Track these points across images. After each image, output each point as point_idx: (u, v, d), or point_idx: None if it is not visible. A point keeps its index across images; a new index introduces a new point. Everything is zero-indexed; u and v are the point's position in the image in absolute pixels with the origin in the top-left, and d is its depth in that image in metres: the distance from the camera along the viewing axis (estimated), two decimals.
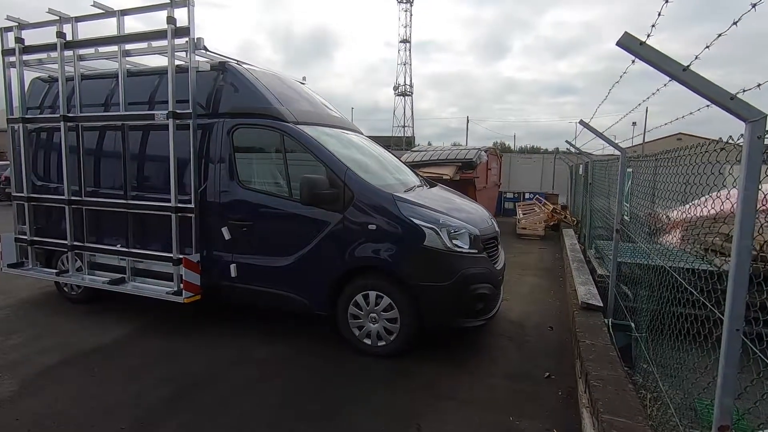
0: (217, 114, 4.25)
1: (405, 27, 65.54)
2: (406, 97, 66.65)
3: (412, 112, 64.71)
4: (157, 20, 4.74)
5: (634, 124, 48.31)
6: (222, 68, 4.29)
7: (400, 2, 64.11)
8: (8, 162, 17.33)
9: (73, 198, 4.69)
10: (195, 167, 4.12)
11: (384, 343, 3.78)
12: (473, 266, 3.67)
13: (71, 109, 4.79)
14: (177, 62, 4.43)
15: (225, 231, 4.14)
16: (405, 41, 65.58)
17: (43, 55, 4.86)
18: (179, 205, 4.15)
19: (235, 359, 3.81)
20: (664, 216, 3.79)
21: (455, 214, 3.87)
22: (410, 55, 65.31)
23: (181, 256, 4.15)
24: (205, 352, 3.92)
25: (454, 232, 3.66)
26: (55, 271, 4.95)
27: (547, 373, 3.53)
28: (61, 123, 4.58)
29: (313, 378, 3.51)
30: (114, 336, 4.24)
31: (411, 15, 65.15)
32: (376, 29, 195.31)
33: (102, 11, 4.33)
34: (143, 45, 4.38)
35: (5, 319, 4.64)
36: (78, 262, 4.84)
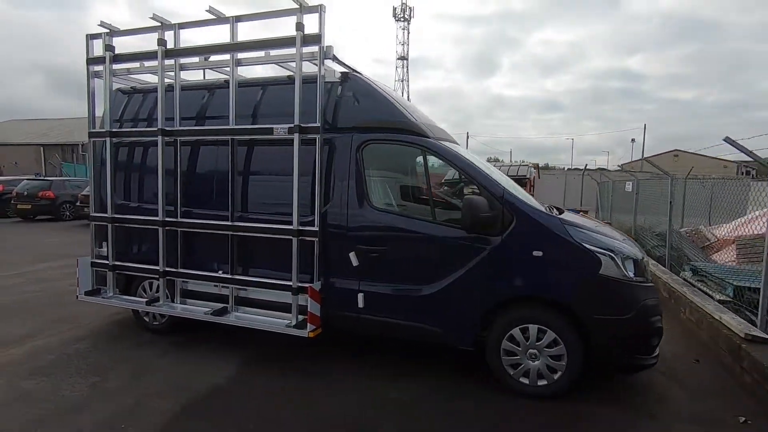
0: (337, 128, 3.89)
1: (402, 44, 66.28)
2: None
3: None
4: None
5: (633, 140, 49.10)
6: (343, 78, 3.96)
7: (398, 21, 64.95)
8: (18, 177, 16.68)
9: (167, 219, 4.26)
10: (321, 187, 3.75)
11: (546, 382, 3.40)
12: (649, 296, 3.33)
13: (152, 122, 4.46)
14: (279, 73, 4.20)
15: (352, 257, 3.75)
16: (402, 58, 66.27)
17: (133, 65, 4.49)
18: (301, 227, 3.76)
19: (374, 403, 3.38)
20: None
21: (617, 239, 3.54)
22: (407, 72, 65.74)
23: (305, 285, 3.75)
24: (336, 395, 3.49)
25: (624, 258, 3.33)
26: (143, 299, 4.48)
27: (743, 418, 3.16)
28: (159, 137, 4.19)
29: (476, 425, 3.11)
30: (224, 374, 3.78)
31: (408, 33, 66.06)
32: (366, 45, 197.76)
33: (213, 17, 3.98)
34: (257, 54, 4.03)
35: (90, 355, 4.15)
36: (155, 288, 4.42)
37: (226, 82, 4.42)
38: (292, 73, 4.20)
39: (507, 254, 3.37)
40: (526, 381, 3.44)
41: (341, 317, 3.86)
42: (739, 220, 9.59)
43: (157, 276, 4.33)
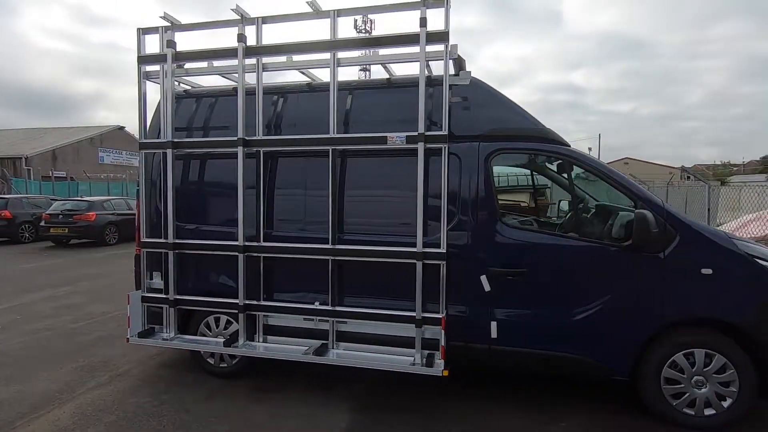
0: (456, 136, 3.46)
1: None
2: None
3: None
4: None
5: (590, 149, 51.80)
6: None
7: (359, 32, 65.18)
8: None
9: (249, 244, 3.64)
10: (446, 203, 3.30)
11: (714, 411, 3.11)
12: None
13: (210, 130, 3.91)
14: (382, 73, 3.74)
15: (484, 280, 3.32)
16: (364, 70, 66.37)
17: (199, 65, 3.87)
18: (427, 250, 3.28)
19: None
20: None
21: None
22: None
23: (436, 315, 3.27)
24: None
25: None
26: (217, 340, 3.79)
27: None
28: (240, 148, 3.58)
29: None
30: (341, 425, 3.22)
31: None
32: None
33: (310, 11, 3.46)
34: (357, 53, 3.55)
35: (160, 411, 3.41)
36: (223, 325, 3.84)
37: (308, 85, 3.92)
38: (391, 76, 3.79)
39: (671, 273, 3.08)
40: (690, 411, 3.13)
41: (467, 349, 3.40)
42: (733, 222, 9.98)
43: (236, 311, 3.67)
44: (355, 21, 64.03)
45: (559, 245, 3.29)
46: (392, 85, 3.74)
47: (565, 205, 4.90)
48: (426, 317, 3.30)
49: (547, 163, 4.42)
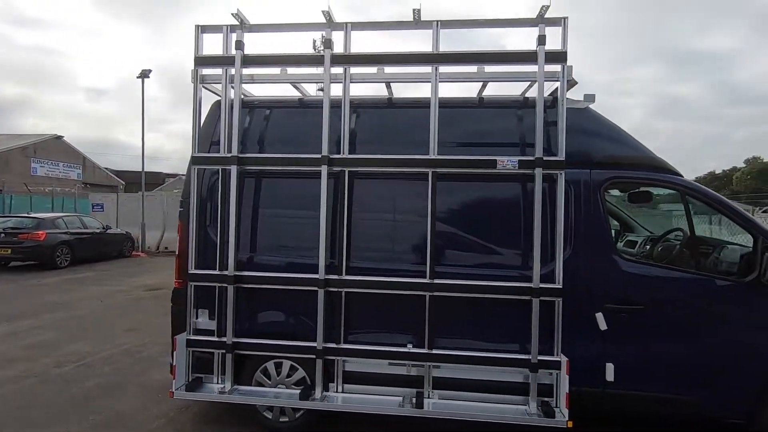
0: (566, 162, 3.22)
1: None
2: None
3: None
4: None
5: None
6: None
7: (318, 53, 65.29)
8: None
9: (329, 278, 3.15)
10: (562, 234, 3.03)
11: None
12: None
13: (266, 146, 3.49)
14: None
15: (600, 318, 3.07)
16: (321, 90, 66.24)
17: (271, 71, 3.40)
18: (543, 285, 2.98)
19: None
20: None
21: None
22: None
23: (557, 359, 2.95)
24: None
25: None
26: (292, 391, 3.21)
27: None
28: (323, 167, 3.12)
29: None
30: None
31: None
32: None
33: (411, 21, 3.13)
34: (464, 68, 3.25)
35: None
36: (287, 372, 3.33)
37: (389, 99, 3.57)
38: (485, 95, 3.54)
39: None
40: None
41: (579, 394, 3.10)
42: None
43: (312, 355, 3.14)
44: (314, 42, 64.54)
45: (680, 279, 3.12)
46: (484, 104, 3.48)
47: None
48: (542, 360, 2.97)
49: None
